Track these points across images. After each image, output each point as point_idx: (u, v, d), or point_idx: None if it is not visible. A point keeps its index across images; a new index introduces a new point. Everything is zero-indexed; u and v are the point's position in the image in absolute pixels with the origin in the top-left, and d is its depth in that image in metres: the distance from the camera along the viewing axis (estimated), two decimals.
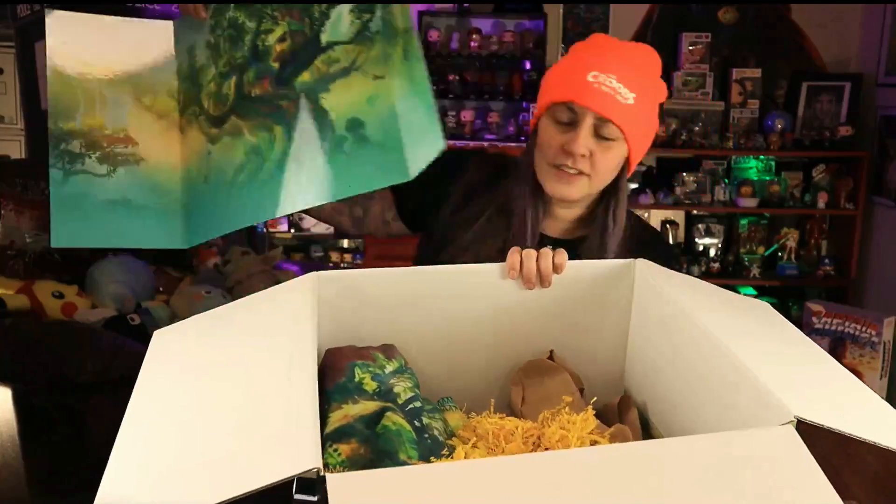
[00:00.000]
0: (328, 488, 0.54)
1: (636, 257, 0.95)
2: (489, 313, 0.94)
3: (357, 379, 0.77)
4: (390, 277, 0.91)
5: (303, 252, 3.86)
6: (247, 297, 0.89)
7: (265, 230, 3.59)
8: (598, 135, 1.05)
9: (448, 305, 0.92)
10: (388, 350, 0.85)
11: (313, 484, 0.57)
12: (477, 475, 0.58)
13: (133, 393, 0.70)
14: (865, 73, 3.49)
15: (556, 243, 1.02)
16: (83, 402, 1.81)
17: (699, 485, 0.57)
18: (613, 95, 1.03)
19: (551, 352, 0.93)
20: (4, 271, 2.28)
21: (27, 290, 2.19)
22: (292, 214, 3.77)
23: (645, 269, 0.92)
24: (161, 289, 2.54)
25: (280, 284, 0.90)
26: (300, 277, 0.87)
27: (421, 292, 0.91)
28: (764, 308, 0.92)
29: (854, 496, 2.49)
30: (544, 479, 0.57)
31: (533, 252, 0.91)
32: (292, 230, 3.82)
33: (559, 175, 1.08)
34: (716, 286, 0.95)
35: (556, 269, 0.91)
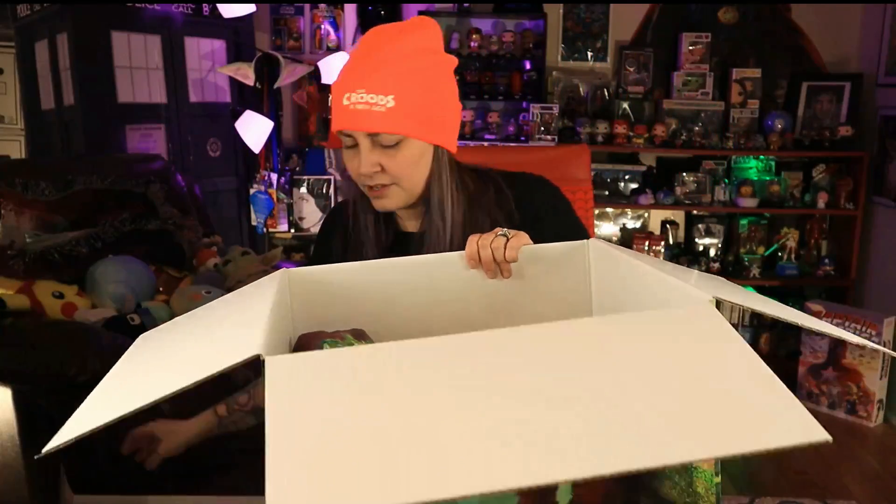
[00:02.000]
0: (266, 369, 0.57)
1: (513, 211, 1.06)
2: (457, 302, 0.96)
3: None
4: (358, 271, 0.94)
5: (303, 252, 3.86)
6: (221, 298, 0.91)
7: (265, 230, 3.59)
8: (379, 144, 1.07)
9: (416, 296, 0.95)
10: (359, 333, 0.88)
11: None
12: (406, 354, 0.61)
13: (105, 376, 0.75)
14: (865, 73, 3.49)
15: (404, 237, 1.15)
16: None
17: (631, 349, 0.61)
18: (369, 109, 1.04)
19: None
20: (4, 271, 2.28)
21: (27, 290, 2.20)
22: (292, 214, 3.78)
23: (598, 246, 0.95)
24: (161, 289, 2.54)
25: (249, 283, 0.92)
26: (269, 275, 0.90)
27: (389, 285, 0.94)
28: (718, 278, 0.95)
29: (854, 496, 2.50)
30: (479, 356, 0.61)
31: (487, 240, 0.93)
32: (292, 230, 3.82)
33: (372, 193, 1.13)
34: (668, 263, 0.98)
35: (507, 251, 0.93)
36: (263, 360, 0.58)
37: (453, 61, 1.13)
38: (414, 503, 0.46)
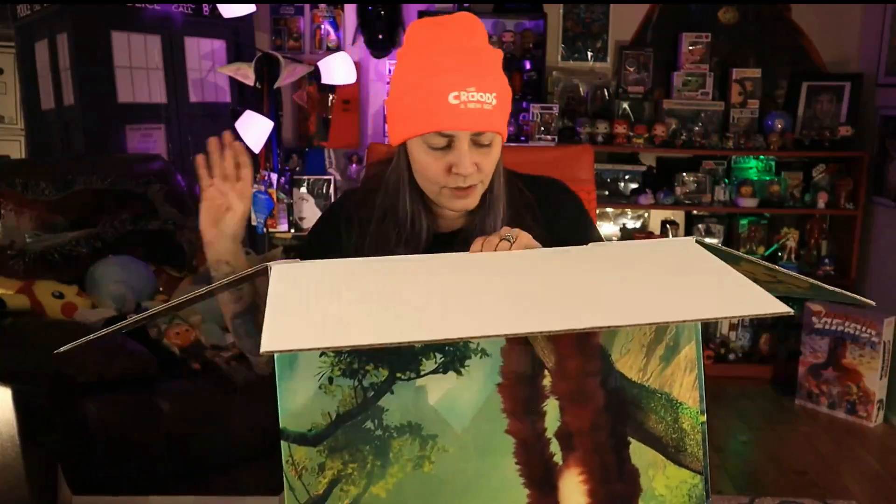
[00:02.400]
0: (271, 275, 0.65)
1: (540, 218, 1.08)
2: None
3: None
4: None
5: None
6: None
7: (265, 230, 3.59)
8: (477, 144, 1.05)
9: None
10: None
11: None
12: (405, 267, 0.70)
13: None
14: (865, 73, 3.49)
15: (445, 237, 1.14)
16: (83, 402, 1.81)
17: (617, 259, 0.74)
18: (481, 108, 1.02)
19: None
20: (4, 271, 2.28)
21: (27, 290, 2.20)
22: (292, 214, 3.78)
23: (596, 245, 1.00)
24: (161, 289, 2.54)
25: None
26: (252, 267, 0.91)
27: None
28: None
29: (854, 496, 2.50)
30: (476, 273, 0.69)
31: (493, 243, 0.92)
32: (292, 230, 3.82)
33: (455, 193, 1.08)
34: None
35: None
36: (270, 266, 0.67)
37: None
38: (385, 343, 0.54)
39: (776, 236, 3.69)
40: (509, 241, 0.92)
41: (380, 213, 1.16)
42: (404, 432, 0.66)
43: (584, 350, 0.70)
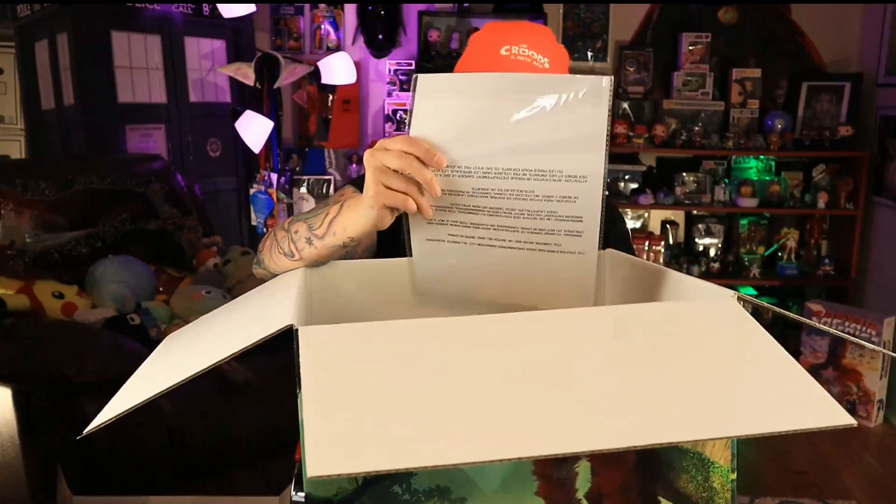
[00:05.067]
0: (299, 337, 0.58)
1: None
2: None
3: None
4: (378, 268, 0.92)
5: None
6: (242, 296, 0.90)
7: (265, 230, 3.59)
8: None
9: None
10: None
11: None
12: (441, 330, 0.62)
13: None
14: (865, 73, 3.49)
15: None
16: (83, 402, 1.81)
17: (654, 334, 0.63)
18: (531, 62, 1.04)
19: None
20: (4, 271, 2.28)
21: (27, 290, 2.20)
22: (292, 214, 3.78)
23: (613, 256, 0.95)
24: (161, 289, 2.54)
25: (271, 280, 0.91)
26: (288, 273, 0.89)
27: (409, 283, 0.92)
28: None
29: (854, 496, 2.49)
30: (507, 337, 0.62)
31: None
32: None
33: None
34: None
35: None
36: (296, 330, 0.59)
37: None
38: (440, 465, 0.48)
39: (776, 236, 3.69)
40: None
41: None
42: (433, 496, 0.64)
43: None
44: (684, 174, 3.55)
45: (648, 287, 0.86)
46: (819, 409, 0.53)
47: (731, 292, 0.69)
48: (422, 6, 3.63)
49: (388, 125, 3.74)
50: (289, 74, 3.41)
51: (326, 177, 3.80)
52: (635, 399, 0.54)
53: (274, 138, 3.45)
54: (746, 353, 0.60)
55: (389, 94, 3.72)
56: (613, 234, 1.17)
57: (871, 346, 0.70)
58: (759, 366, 0.58)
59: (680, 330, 0.64)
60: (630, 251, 1.18)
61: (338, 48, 3.73)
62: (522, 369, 0.58)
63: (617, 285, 0.94)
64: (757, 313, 3.04)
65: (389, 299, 0.93)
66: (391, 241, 1.21)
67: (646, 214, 3.79)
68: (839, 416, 0.52)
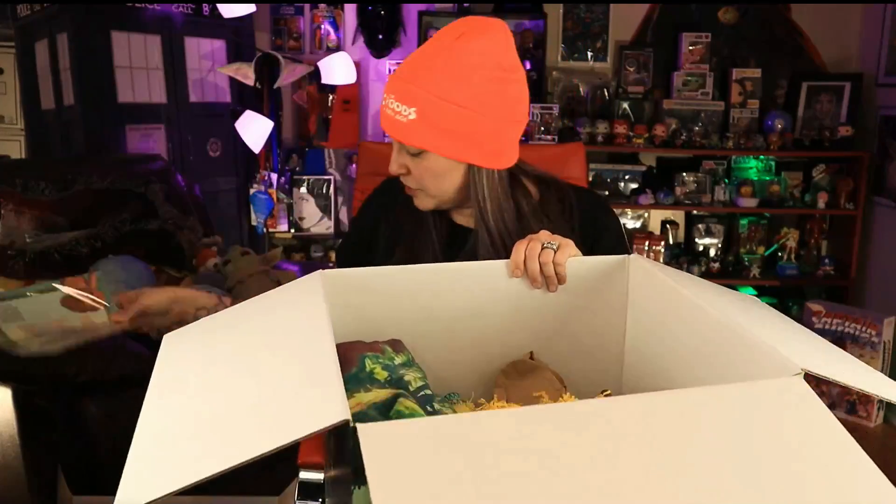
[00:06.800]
0: (360, 436, 0.53)
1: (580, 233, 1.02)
2: (493, 311, 0.94)
3: (368, 369, 0.78)
4: (394, 275, 0.91)
5: (303, 252, 3.86)
6: (254, 299, 0.89)
7: (265, 230, 3.59)
8: (407, 151, 1.09)
9: (452, 303, 0.92)
10: (396, 344, 0.86)
11: (316, 490, 0.57)
12: (504, 424, 0.58)
13: (147, 393, 0.69)
14: (865, 73, 3.49)
15: (462, 231, 1.15)
16: (83, 402, 1.81)
17: (714, 433, 0.57)
18: (394, 117, 1.05)
19: (531, 352, 0.94)
20: (4, 271, 2.28)
21: None
22: (292, 214, 3.78)
23: (639, 264, 0.92)
24: None
25: (287, 284, 0.90)
26: (306, 276, 0.88)
27: (424, 290, 0.91)
28: (755, 299, 0.92)
29: None
30: (561, 428, 0.57)
31: (536, 250, 0.91)
32: (292, 230, 3.82)
33: (408, 192, 1.15)
34: (708, 282, 0.95)
35: (556, 266, 0.91)
36: (354, 428, 0.54)
37: (513, 73, 1.06)
38: None
39: (776, 236, 3.69)
40: (553, 248, 0.91)
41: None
42: None
43: None
44: (684, 174, 3.55)
45: (667, 309, 0.84)
46: None
47: (796, 367, 0.62)
48: (422, 6, 3.63)
49: None
50: (289, 74, 3.41)
51: (326, 177, 3.80)
52: None
53: (274, 138, 3.45)
54: (820, 457, 0.54)
55: None
56: (608, 238, 1.17)
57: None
58: (837, 474, 0.53)
59: (748, 426, 0.57)
60: (623, 248, 1.18)
61: (338, 48, 3.73)
62: (591, 473, 0.53)
63: (640, 301, 0.93)
64: None
65: (412, 303, 0.92)
66: (370, 252, 1.23)
67: (646, 214, 3.78)
68: None
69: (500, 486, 0.50)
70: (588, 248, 1.01)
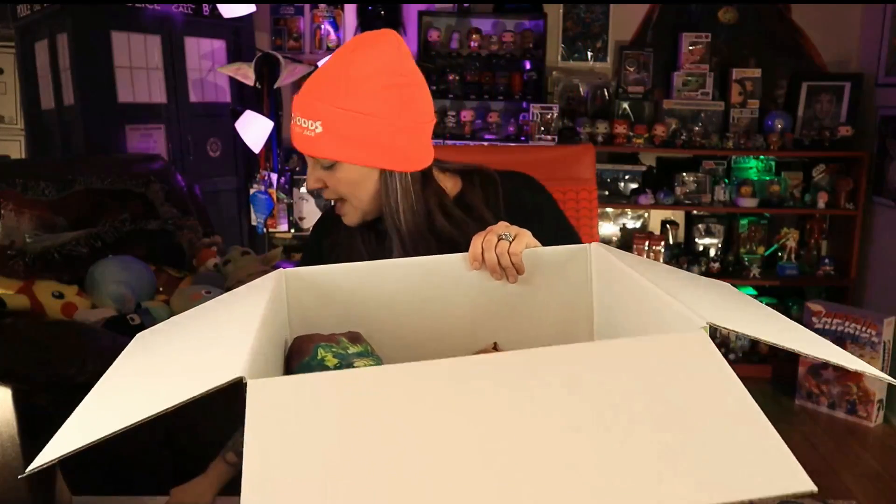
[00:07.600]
0: (247, 390, 0.56)
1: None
2: (456, 304, 0.95)
3: (319, 357, 0.80)
4: (355, 272, 0.93)
5: (303, 252, 3.86)
6: (218, 297, 0.90)
7: (265, 230, 3.59)
8: (321, 165, 1.11)
9: (414, 297, 0.94)
10: (355, 336, 0.87)
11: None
12: (392, 380, 0.59)
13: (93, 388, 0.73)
14: (865, 73, 3.49)
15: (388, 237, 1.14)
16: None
17: (618, 380, 0.59)
18: (302, 133, 1.07)
19: (495, 343, 0.95)
20: (4, 271, 2.28)
21: (27, 290, 2.19)
22: (292, 214, 3.78)
23: (600, 252, 0.94)
24: (161, 289, 2.54)
25: (246, 283, 0.91)
26: (267, 275, 0.89)
27: (386, 285, 0.93)
28: (724, 284, 0.92)
29: (854, 496, 2.50)
30: (458, 382, 0.59)
31: (492, 241, 0.93)
32: (292, 230, 3.82)
33: (337, 212, 1.17)
34: (669, 266, 0.96)
35: (512, 256, 0.93)
36: (246, 384, 0.57)
37: (409, 77, 1.08)
38: None
39: (776, 236, 3.69)
40: (507, 239, 0.93)
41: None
42: None
43: None
44: (684, 174, 3.55)
45: (627, 295, 0.85)
46: (782, 474, 0.52)
47: (701, 322, 0.65)
48: (422, 6, 3.63)
49: None
50: (289, 74, 3.41)
51: None
52: (596, 464, 0.51)
53: (274, 138, 3.45)
54: (712, 406, 0.57)
55: None
56: (547, 214, 1.18)
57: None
58: (725, 422, 0.55)
59: (644, 377, 0.59)
60: (565, 224, 1.20)
61: (338, 48, 3.73)
62: (477, 425, 0.54)
63: (602, 287, 0.94)
64: None
65: (372, 299, 0.93)
66: (332, 250, 1.24)
67: (646, 214, 3.78)
68: (802, 483, 0.51)
69: (365, 441, 0.52)
70: (526, 227, 1.01)
